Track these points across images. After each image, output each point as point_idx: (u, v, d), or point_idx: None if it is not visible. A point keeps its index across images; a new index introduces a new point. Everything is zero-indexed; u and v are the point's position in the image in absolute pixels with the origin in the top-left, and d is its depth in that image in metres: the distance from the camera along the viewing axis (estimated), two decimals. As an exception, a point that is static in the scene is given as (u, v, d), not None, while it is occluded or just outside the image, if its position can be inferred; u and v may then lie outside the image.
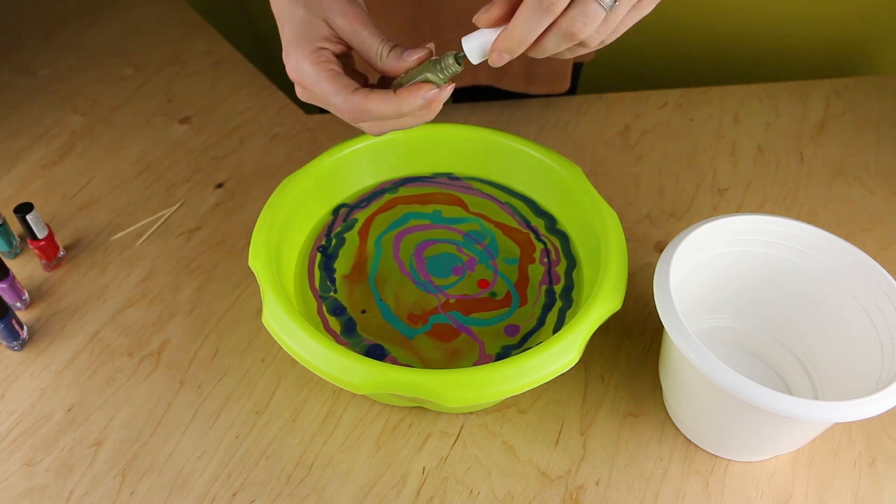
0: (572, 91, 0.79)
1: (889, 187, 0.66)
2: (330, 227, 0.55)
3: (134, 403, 0.49)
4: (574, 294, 0.51)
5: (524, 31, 0.34)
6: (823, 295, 0.47)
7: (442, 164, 0.59)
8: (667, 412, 0.49)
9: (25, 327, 0.53)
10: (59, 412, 0.49)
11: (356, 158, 0.56)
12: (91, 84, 0.79)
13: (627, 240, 0.57)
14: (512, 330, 0.49)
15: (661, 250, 0.51)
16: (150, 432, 0.48)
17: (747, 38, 1.00)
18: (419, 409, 0.49)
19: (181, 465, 0.46)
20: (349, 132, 0.71)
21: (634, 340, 0.53)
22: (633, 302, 0.56)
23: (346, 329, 0.49)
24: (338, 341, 0.48)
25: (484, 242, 0.55)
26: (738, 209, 0.64)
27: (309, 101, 0.42)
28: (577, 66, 0.81)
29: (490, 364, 0.40)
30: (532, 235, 0.55)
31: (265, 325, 0.43)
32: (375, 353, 0.47)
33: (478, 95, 0.74)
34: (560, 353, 0.41)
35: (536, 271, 0.53)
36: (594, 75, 0.84)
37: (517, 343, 0.48)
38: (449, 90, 0.39)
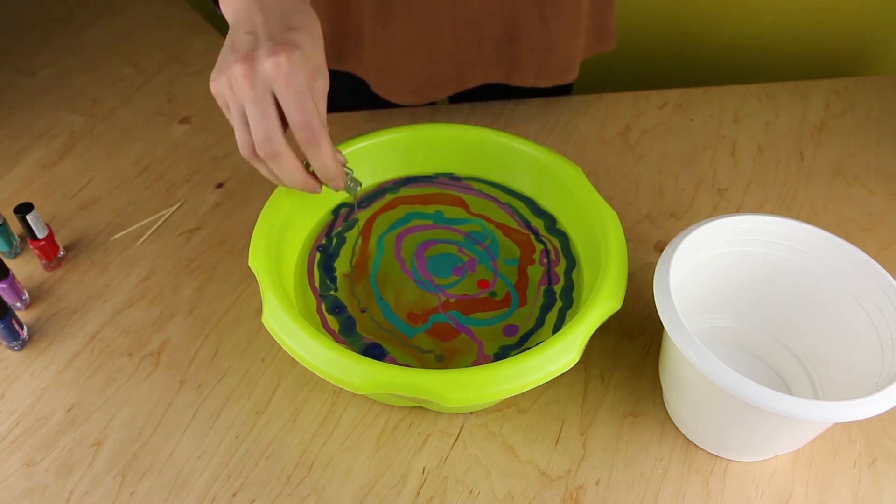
0: (568, 91, 0.79)
1: (889, 187, 0.66)
2: (330, 226, 0.55)
3: (134, 403, 0.49)
4: (574, 294, 0.51)
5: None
6: (823, 295, 0.47)
7: (442, 165, 0.59)
8: (667, 412, 0.49)
9: (25, 327, 0.53)
10: (59, 412, 0.49)
11: (356, 158, 0.56)
12: (91, 84, 0.79)
13: (627, 240, 0.57)
14: (511, 330, 0.49)
15: (661, 250, 0.51)
16: (150, 432, 0.48)
17: (747, 38, 1.00)
18: (419, 409, 0.49)
19: (181, 465, 0.46)
20: (349, 132, 0.71)
21: (634, 340, 0.53)
22: (633, 302, 0.56)
23: (345, 328, 0.49)
24: (336, 340, 0.48)
25: (485, 243, 0.55)
26: (738, 209, 0.64)
27: (247, 91, 0.41)
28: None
29: (490, 364, 0.40)
30: (532, 236, 0.55)
31: (265, 325, 0.43)
32: (374, 352, 0.47)
33: (478, 95, 0.74)
34: (560, 353, 0.41)
35: (536, 272, 0.53)
36: (594, 75, 0.84)
37: (516, 343, 0.48)
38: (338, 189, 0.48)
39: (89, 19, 0.90)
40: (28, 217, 0.55)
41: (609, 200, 0.63)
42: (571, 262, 0.53)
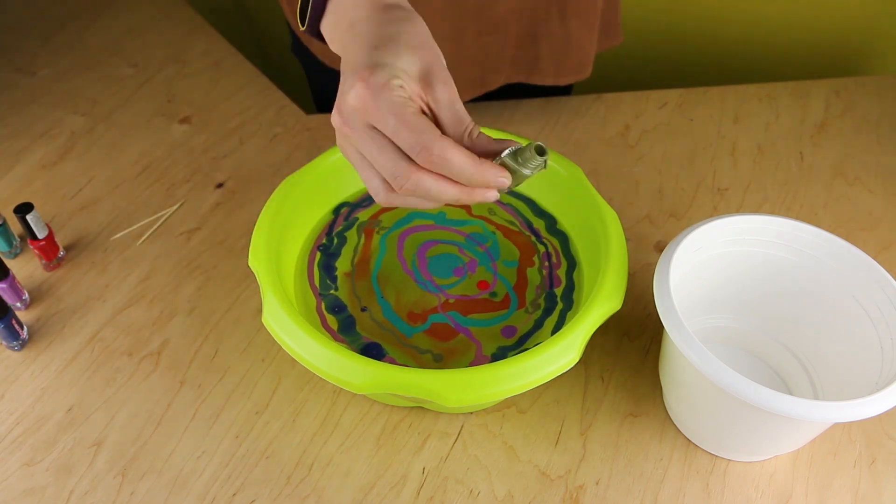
0: (568, 91, 0.79)
1: (889, 187, 0.66)
2: (331, 226, 0.55)
3: (134, 403, 0.49)
4: (574, 294, 0.51)
5: None
6: (823, 295, 0.47)
7: (442, 164, 0.59)
8: (667, 412, 0.49)
9: (25, 327, 0.53)
10: (59, 412, 0.49)
11: (356, 158, 0.56)
12: (91, 84, 0.79)
13: (627, 240, 0.56)
14: (509, 331, 0.49)
15: (661, 250, 0.51)
16: (150, 432, 0.48)
17: (747, 38, 1.00)
18: (419, 409, 0.49)
19: (181, 465, 0.46)
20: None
21: (634, 340, 0.53)
22: (633, 302, 0.56)
23: (344, 326, 0.49)
24: (335, 338, 0.48)
25: (486, 245, 0.55)
26: (738, 209, 0.64)
27: (350, 135, 0.37)
28: None
29: (490, 364, 0.40)
30: (533, 238, 0.55)
31: (265, 325, 0.43)
32: (373, 351, 0.47)
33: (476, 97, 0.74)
34: (560, 353, 0.41)
35: (535, 274, 0.53)
36: (594, 75, 0.84)
37: (514, 344, 0.48)
38: (505, 187, 0.38)
39: (89, 19, 0.90)
40: (28, 217, 0.55)
41: (609, 200, 0.63)
42: (571, 263, 0.53)
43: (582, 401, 0.50)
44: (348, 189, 0.57)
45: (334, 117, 0.38)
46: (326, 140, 0.71)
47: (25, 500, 0.45)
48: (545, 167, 0.38)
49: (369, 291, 0.51)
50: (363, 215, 0.56)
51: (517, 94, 0.75)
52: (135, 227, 0.62)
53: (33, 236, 0.56)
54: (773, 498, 0.45)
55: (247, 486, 0.45)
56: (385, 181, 0.38)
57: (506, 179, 0.38)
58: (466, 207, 0.57)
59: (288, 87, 0.83)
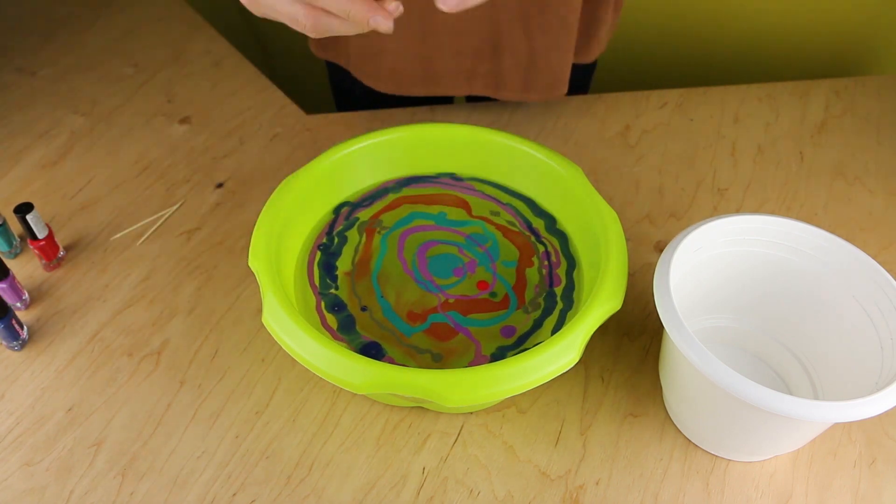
0: (584, 91, 0.79)
1: (889, 187, 0.66)
2: (331, 225, 0.55)
3: (134, 403, 0.49)
4: (574, 294, 0.51)
5: None
6: (823, 295, 0.47)
7: (442, 165, 0.59)
8: (667, 412, 0.49)
9: (25, 327, 0.53)
10: (59, 412, 0.49)
11: (356, 158, 0.56)
12: (91, 84, 0.79)
13: (627, 240, 0.57)
14: (508, 331, 0.49)
15: (661, 250, 0.51)
16: (150, 432, 0.48)
17: (747, 38, 1.00)
18: (419, 409, 0.49)
19: (181, 465, 0.46)
20: (350, 132, 0.71)
21: (634, 340, 0.53)
22: (633, 302, 0.56)
23: (344, 325, 0.49)
24: (335, 337, 0.48)
25: (485, 245, 0.55)
26: (738, 209, 0.64)
27: None
28: (589, 67, 0.80)
29: (490, 364, 0.40)
30: (532, 238, 0.55)
31: (265, 325, 0.43)
32: (372, 351, 0.47)
33: (479, 96, 0.74)
34: (560, 353, 0.41)
35: (534, 274, 0.53)
36: (594, 75, 0.84)
37: (513, 344, 0.48)
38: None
39: (89, 19, 0.90)
40: (28, 217, 0.55)
41: (609, 200, 0.63)
42: (571, 263, 0.53)
43: (582, 401, 0.50)
44: (348, 189, 0.57)
45: None
46: (326, 140, 0.71)
47: (25, 500, 0.45)
48: None
49: (369, 291, 0.51)
50: (364, 215, 0.56)
51: None
52: (135, 227, 0.62)
53: (33, 236, 0.56)
54: (773, 498, 0.45)
55: (247, 486, 0.45)
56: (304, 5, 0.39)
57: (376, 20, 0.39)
58: (466, 208, 0.57)
59: (288, 87, 0.84)
